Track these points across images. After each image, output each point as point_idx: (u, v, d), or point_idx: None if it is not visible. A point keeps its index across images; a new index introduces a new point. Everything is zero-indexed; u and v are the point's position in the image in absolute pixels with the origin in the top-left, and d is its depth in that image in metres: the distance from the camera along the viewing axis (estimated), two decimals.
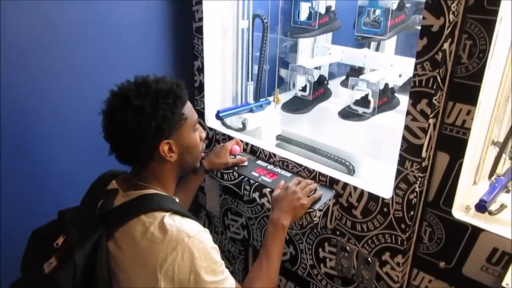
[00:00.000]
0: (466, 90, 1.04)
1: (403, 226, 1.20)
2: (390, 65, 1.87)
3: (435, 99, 1.05)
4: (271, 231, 1.19)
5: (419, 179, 1.13)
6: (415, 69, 1.05)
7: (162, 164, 1.10)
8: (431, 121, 1.07)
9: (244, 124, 1.67)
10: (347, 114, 1.75)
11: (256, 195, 1.41)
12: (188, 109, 1.13)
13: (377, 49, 2.21)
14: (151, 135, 1.03)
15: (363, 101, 1.75)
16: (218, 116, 1.63)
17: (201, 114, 1.72)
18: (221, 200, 1.78)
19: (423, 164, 1.12)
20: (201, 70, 1.66)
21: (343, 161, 1.70)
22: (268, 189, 1.37)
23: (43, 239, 1.03)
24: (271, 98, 1.84)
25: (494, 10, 0.96)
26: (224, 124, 1.69)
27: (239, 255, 1.83)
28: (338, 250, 1.39)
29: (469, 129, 1.06)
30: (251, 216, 1.67)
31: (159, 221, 1.00)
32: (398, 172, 1.16)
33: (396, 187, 1.18)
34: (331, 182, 1.34)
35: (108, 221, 1.03)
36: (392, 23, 1.66)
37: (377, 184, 1.26)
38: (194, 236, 0.98)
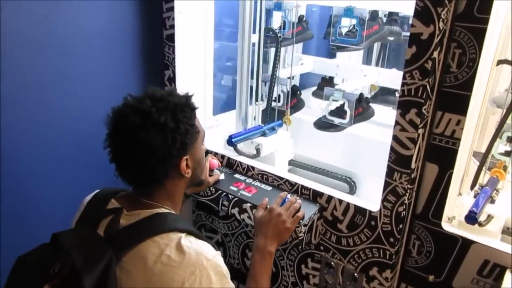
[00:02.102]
0: (456, 100, 1.02)
1: (391, 239, 1.16)
2: (363, 75, 1.86)
3: (425, 109, 1.02)
4: (258, 259, 1.12)
5: (408, 191, 1.10)
6: (404, 77, 1.03)
7: (177, 181, 1.03)
8: (420, 131, 1.05)
9: (258, 150, 1.53)
10: (322, 124, 1.72)
11: (235, 210, 1.34)
12: (198, 121, 1.08)
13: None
14: (176, 151, 0.97)
15: (339, 112, 1.73)
16: (230, 142, 1.48)
17: None
18: (195, 216, 1.69)
19: (412, 176, 1.09)
20: (172, 80, 1.57)
21: (343, 177, 1.67)
22: (249, 204, 1.30)
23: (33, 265, 0.91)
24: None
25: (484, 19, 0.95)
26: (236, 150, 1.51)
27: None
28: (322, 266, 1.34)
29: (458, 139, 1.04)
30: (227, 233, 1.59)
31: (176, 243, 0.92)
32: (386, 184, 1.12)
33: (384, 199, 1.14)
34: (314, 196, 1.29)
35: (115, 243, 0.93)
36: (367, 33, 1.65)
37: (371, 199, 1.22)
38: (212, 260, 0.92)
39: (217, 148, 1.58)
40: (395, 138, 1.07)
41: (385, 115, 1.95)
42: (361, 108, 1.75)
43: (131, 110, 0.95)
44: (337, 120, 1.70)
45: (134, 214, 0.97)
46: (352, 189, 1.63)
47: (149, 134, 0.93)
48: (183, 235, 0.93)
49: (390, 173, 1.11)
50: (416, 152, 1.06)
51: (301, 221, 1.20)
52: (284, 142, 1.65)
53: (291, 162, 1.74)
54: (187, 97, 1.04)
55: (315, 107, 2.13)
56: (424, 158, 1.11)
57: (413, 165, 1.07)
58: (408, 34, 1.00)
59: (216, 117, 1.87)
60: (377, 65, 2.21)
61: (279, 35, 1.70)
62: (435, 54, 0.98)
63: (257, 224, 1.20)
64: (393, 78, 1.83)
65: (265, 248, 1.14)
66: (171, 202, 1.03)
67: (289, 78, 1.98)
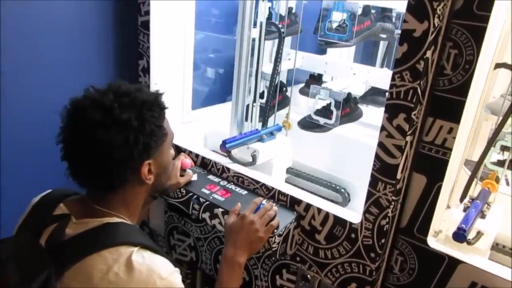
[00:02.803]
0: (449, 105, 0.93)
1: (372, 254, 1.06)
2: (352, 73, 1.76)
3: (414, 114, 0.92)
4: (226, 270, 1.02)
5: (393, 203, 1.00)
6: (393, 79, 0.92)
7: (136, 188, 0.93)
8: (408, 138, 0.95)
9: (254, 157, 1.37)
10: (307, 124, 1.62)
11: (206, 215, 1.23)
12: (166, 123, 0.97)
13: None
14: (138, 154, 0.86)
15: (325, 111, 1.63)
16: (224, 147, 1.32)
17: None
18: (167, 217, 1.58)
19: (398, 187, 0.99)
20: (146, 71, 1.46)
21: (336, 187, 1.56)
22: (221, 210, 1.19)
23: None
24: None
25: (485, 16, 0.85)
26: (231, 157, 1.36)
27: (186, 279, 1.63)
28: (298, 278, 1.24)
29: (450, 149, 0.95)
30: (200, 237, 1.49)
31: (125, 258, 0.82)
32: (369, 195, 1.03)
33: (366, 211, 1.04)
34: (292, 203, 1.19)
35: (58, 256, 0.82)
36: (357, 28, 1.55)
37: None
38: (167, 279, 0.82)
39: (194, 145, 1.47)
40: (380, 145, 0.97)
41: (375, 116, 1.86)
42: (349, 109, 1.66)
43: (91, 104, 0.85)
44: (322, 120, 1.61)
45: (83, 223, 0.86)
46: (345, 200, 1.51)
47: (108, 132, 0.83)
48: (135, 249, 0.82)
49: (373, 182, 1.01)
50: (403, 161, 0.97)
51: (275, 230, 1.10)
52: (283, 149, 1.50)
53: (289, 171, 1.59)
54: (157, 95, 0.93)
55: (302, 105, 2.03)
56: (411, 168, 1.01)
57: (399, 175, 0.98)
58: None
59: (195, 112, 1.76)
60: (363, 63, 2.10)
61: (282, 30, 1.57)
62: (428, 53, 0.88)
63: (228, 231, 1.10)
64: (383, 78, 1.73)
65: (233, 258, 1.04)
66: (128, 210, 0.93)
67: (274, 73, 1.87)
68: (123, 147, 0.83)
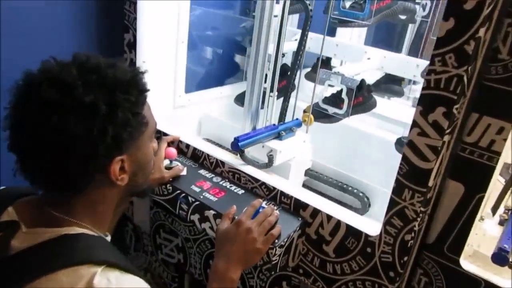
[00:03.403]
0: (501, 99, 0.74)
1: (391, 274, 0.89)
2: (367, 58, 1.57)
3: (456, 108, 0.74)
4: (215, 287, 0.84)
5: (421, 215, 0.82)
6: (432, 62, 0.74)
7: (105, 190, 0.75)
8: (446, 138, 0.76)
9: (271, 158, 1.16)
10: (313, 113, 1.43)
11: (195, 217, 1.05)
12: (148, 110, 0.78)
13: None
14: (106, 148, 0.67)
15: (335, 99, 1.44)
16: (236, 146, 1.10)
17: None
18: (152, 213, 1.40)
19: (428, 196, 0.82)
20: (132, 46, 1.26)
21: (354, 191, 1.34)
22: (212, 212, 1.01)
23: None
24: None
25: None
26: (243, 157, 1.14)
27: (172, 283, 1.46)
28: None
29: (498, 154, 0.76)
30: (188, 237, 1.31)
31: (86, 282, 0.63)
32: (392, 203, 0.85)
33: (387, 222, 0.86)
34: (296, 207, 1.01)
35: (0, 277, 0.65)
36: (377, 7, 1.35)
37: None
38: None
39: (185, 134, 1.28)
40: (410, 144, 0.79)
41: (387, 107, 1.68)
42: (362, 97, 1.47)
43: (46, 79, 0.65)
44: (331, 110, 1.42)
45: (34, 233, 0.68)
46: (364, 206, 1.31)
47: (66, 118, 0.64)
48: (99, 270, 0.64)
49: (398, 189, 0.83)
50: (437, 165, 0.78)
51: (276, 240, 0.92)
52: (303, 148, 1.29)
53: (307, 173, 1.38)
54: (136, 73, 0.73)
55: (307, 92, 1.84)
56: (446, 174, 0.83)
57: (431, 183, 0.80)
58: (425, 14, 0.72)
59: (189, 95, 1.57)
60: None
61: (309, 7, 1.34)
62: (481, 32, 0.69)
63: (220, 240, 0.92)
64: (400, 65, 1.54)
65: (226, 274, 0.86)
66: (94, 217, 0.74)
67: (279, 55, 1.67)
68: (85, 138, 0.65)
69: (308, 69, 1.80)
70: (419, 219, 0.82)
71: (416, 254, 0.91)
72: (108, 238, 0.81)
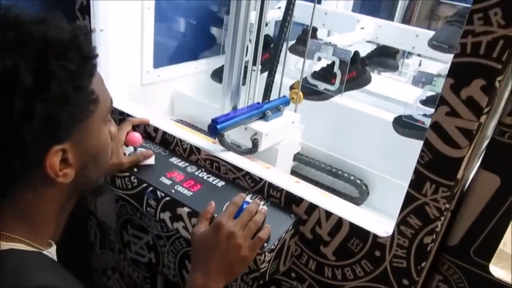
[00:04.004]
0: None
1: (405, 281, 0.74)
2: (360, 28, 1.40)
3: (499, 81, 0.58)
4: None
5: (445, 213, 0.67)
6: (469, 21, 0.57)
7: (44, 190, 0.56)
8: (483, 119, 0.60)
9: (255, 143, 0.98)
10: (302, 90, 1.26)
11: (166, 215, 0.88)
12: (98, 83, 0.58)
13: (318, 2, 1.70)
14: (33, 135, 0.49)
15: (326, 74, 1.28)
16: (214, 129, 0.91)
17: None
18: (118, 207, 1.22)
19: (455, 190, 0.66)
20: (85, 10, 1.05)
21: (351, 178, 1.18)
22: (186, 209, 0.84)
23: None
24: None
25: None
26: (223, 142, 0.95)
27: (144, 283, 1.29)
28: None
29: None
30: (160, 234, 1.14)
31: None
32: (409, 199, 0.69)
33: (402, 221, 0.71)
34: (288, 201, 0.85)
35: None
36: None
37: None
38: None
39: (155, 115, 1.09)
40: (436, 126, 0.63)
41: (381, 84, 1.52)
42: (355, 72, 1.31)
43: None
44: (322, 85, 1.25)
45: None
46: (362, 195, 1.15)
47: None
48: None
49: (418, 182, 0.67)
50: (469, 153, 0.63)
51: (265, 244, 0.76)
52: (292, 130, 1.10)
53: (296, 157, 1.20)
54: (78, 33, 0.53)
55: (291, 67, 1.67)
56: (478, 164, 0.67)
57: (460, 174, 0.64)
58: None
59: (158, 70, 1.36)
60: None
61: None
62: None
63: (196, 247, 0.75)
64: (398, 35, 1.38)
65: None
66: (30, 228, 0.56)
67: (262, 22, 1.48)
68: (4, 122, 0.46)
69: (292, 42, 1.62)
70: (442, 218, 0.67)
71: (434, 257, 0.76)
72: (52, 249, 0.63)
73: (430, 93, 1.07)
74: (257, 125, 1.00)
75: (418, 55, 1.56)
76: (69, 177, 0.56)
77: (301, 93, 1.16)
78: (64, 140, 0.53)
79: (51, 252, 0.62)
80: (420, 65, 1.40)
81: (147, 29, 1.25)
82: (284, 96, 1.12)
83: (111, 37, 1.12)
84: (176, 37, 1.58)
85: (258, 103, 1.06)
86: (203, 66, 1.53)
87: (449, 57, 0.60)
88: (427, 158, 0.65)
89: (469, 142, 0.61)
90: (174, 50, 1.53)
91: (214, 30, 1.71)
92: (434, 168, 0.65)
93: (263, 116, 1.03)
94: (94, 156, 0.60)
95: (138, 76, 1.29)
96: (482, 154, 0.67)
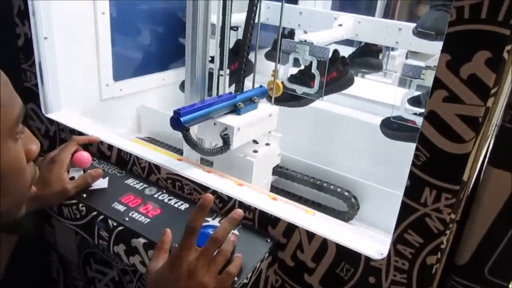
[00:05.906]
0: None
1: None
2: (338, 24, 1.29)
3: (508, 51, 0.45)
4: None
5: (450, 225, 0.54)
6: None
7: None
8: (490, 102, 0.48)
9: (226, 139, 0.84)
10: (279, 96, 1.14)
11: (120, 249, 0.74)
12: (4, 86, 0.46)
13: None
14: None
15: (303, 77, 1.16)
16: (177, 122, 0.77)
17: (32, 96, 0.98)
18: (79, 239, 1.07)
19: (461, 196, 0.53)
20: (25, 15, 0.92)
21: (338, 191, 1.04)
22: (142, 240, 0.70)
23: None
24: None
25: None
26: (188, 138, 0.80)
27: None
28: None
29: None
30: (126, 269, 0.98)
31: None
32: (406, 211, 0.56)
33: (399, 239, 0.57)
34: (263, 222, 0.71)
35: None
36: None
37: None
38: None
39: (113, 133, 0.96)
40: (431, 116, 0.50)
41: (365, 87, 1.41)
42: (336, 72, 1.19)
43: None
44: (300, 89, 1.13)
45: None
46: (352, 209, 1.01)
47: None
48: None
49: (414, 189, 0.54)
50: (476, 147, 0.50)
51: (235, 279, 0.61)
52: (269, 124, 0.95)
53: (276, 171, 1.05)
54: None
55: (268, 74, 1.55)
56: (485, 160, 0.54)
57: (466, 175, 0.51)
58: None
59: (120, 83, 1.23)
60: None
61: None
62: None
63: (152, 287, 0.60)
64: (379, 30, 1.27)
65: None
66: None
67: (232, 28, 1.36)
68: None
69: (268, 49, 1.51)
70: (447, 231, 0.54)
71: (440, 280, 0.62)
72: None
73: (417, 93, 0.96)
74: (228, 119, 0.86)
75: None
76: None
77: (279, 82, 1.03)
78: None
79: None
80: (407, 57, 1.29)
81: (103, 36, 1.13)
82: (261, 86, 0.98)
83: (59, 45, 0.99)
84: (140, 47, 1.45)
85: (231, 93, 0.92)
86: (172, 77, 1.40)
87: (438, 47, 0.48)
88: (424, 158, 0.52)
89: (475, 133, 0.48)
90: (139, 60, 1.40)
91: (183, 40, 1.59)
92: (434, 170, 0.52)
93: (235, 109, 0.89)
94: None
95: (96, 90, 1.16)
96: (490, 148, 0.54)
